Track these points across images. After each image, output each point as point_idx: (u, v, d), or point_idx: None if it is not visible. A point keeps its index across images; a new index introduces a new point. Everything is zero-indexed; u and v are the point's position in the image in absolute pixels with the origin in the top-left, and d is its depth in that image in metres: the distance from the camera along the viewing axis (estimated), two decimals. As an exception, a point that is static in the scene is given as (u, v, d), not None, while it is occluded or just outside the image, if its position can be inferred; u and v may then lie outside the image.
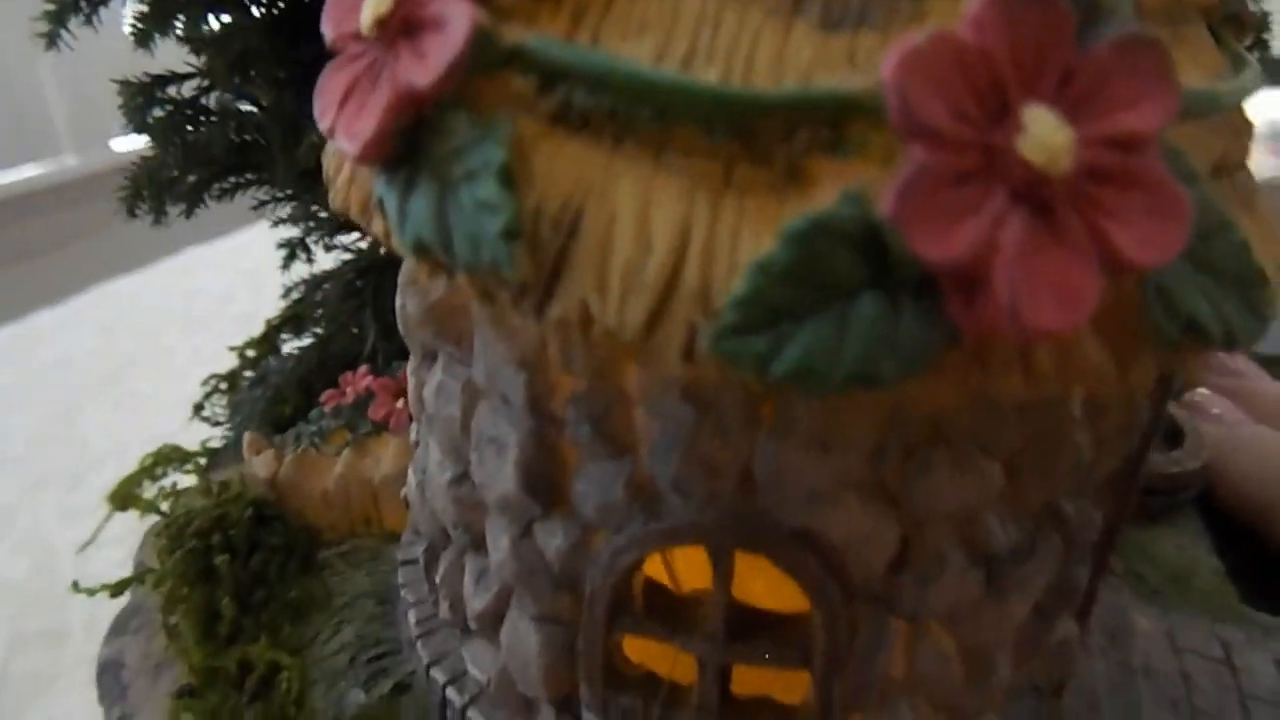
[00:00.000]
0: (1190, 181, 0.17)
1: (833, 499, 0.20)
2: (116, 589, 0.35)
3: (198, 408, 0.52)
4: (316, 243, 0.49)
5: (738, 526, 0.21)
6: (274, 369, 0.46)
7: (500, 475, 0.23)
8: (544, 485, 0.23)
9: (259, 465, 0.37)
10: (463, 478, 0.25)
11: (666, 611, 0.24)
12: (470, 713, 0.28)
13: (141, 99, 0.41)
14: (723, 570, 0.22)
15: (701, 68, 0.17)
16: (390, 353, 0.41)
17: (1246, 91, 0.20)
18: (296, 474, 0.36)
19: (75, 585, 0.35)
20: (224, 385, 0.53)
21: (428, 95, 0.17)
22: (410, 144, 0.18)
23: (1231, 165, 0.20)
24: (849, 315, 0.15)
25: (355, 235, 0.47)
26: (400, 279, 0.25)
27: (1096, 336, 0.17)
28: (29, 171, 1.41)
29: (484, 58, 0.17)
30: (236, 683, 0.31)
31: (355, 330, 0.44)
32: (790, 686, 0.24)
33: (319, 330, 0.46)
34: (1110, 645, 0.33)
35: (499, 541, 0.24)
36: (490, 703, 0.28)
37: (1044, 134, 0.15)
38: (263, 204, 0.45)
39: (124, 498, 0.41)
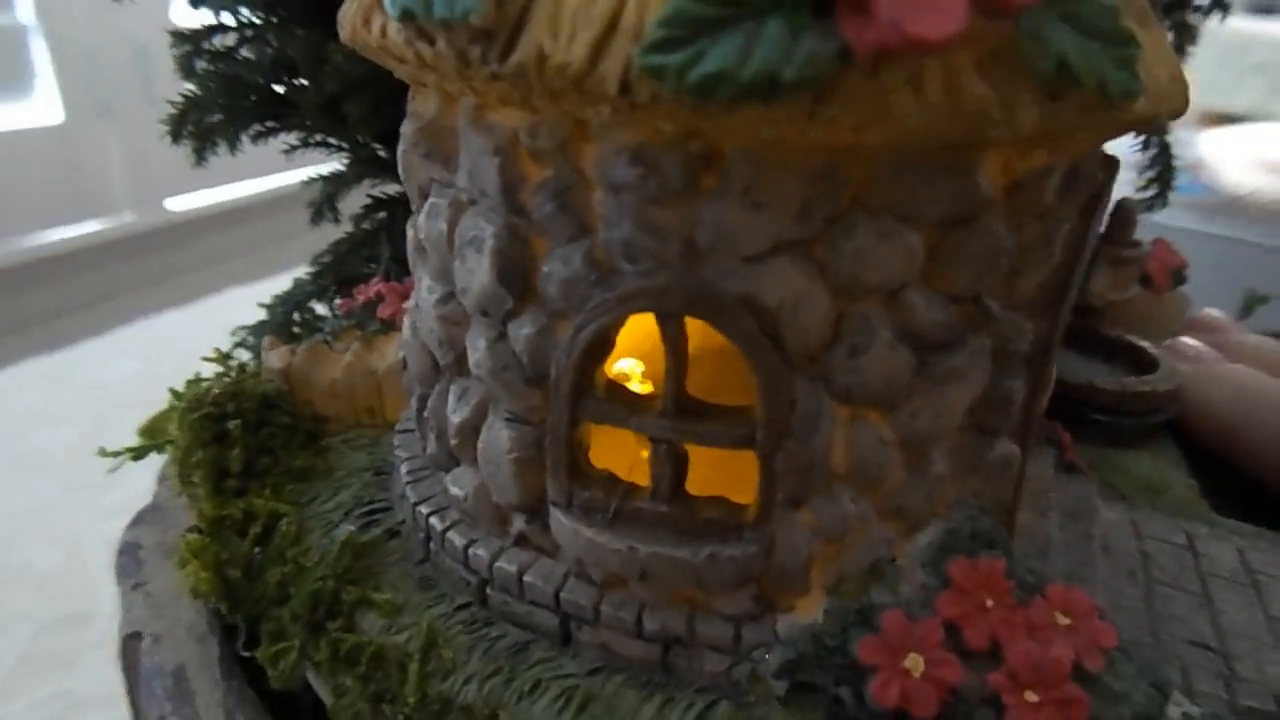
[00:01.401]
0: (1060, -54, 0.20)
1: (767, 263, 0.23)
2: (138, 453, 0.38)
3: (224, 357, 0.56)
4: (340, 198, 0.53)
5: (683, 291, 0.23)
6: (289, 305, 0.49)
7: (479, 271, 0.26)
8: (516, 275, 0.25)
9: (274, 358, 0.40)
10: (449, 296, 0.28)
11: (624, 402, 0.26)
12: (449, 535, 0.30)
13: (190, 47, 0.46)
14: (671, 336, 0.24)
15: None
16: (400, 274, 0.45)
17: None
18: (306, 364, 0.39)
19: (102, 450, 0.37)
20: (250, 338, 0.56)
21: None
22: (404, -66, 0.21)
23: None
24: (758, 31, 0.18)
25: (371, 183, 0.51)
26: (403, 129, 0.29)
27: (980, 74, 0.19)
28: (90, 227, 1.49)
29: None
30: (241, 530, 0.33)
31: (369, 258, 0.47)
32: (741, 485, 0.26)
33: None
34: (1070, 521, 0.34)
35: (477, 344, 0.27)
36: (468, 522, 0.30)
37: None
38: (294, 148, 0.50)
39: (152, 431, 0.44)
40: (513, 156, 0.24)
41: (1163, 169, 0.55)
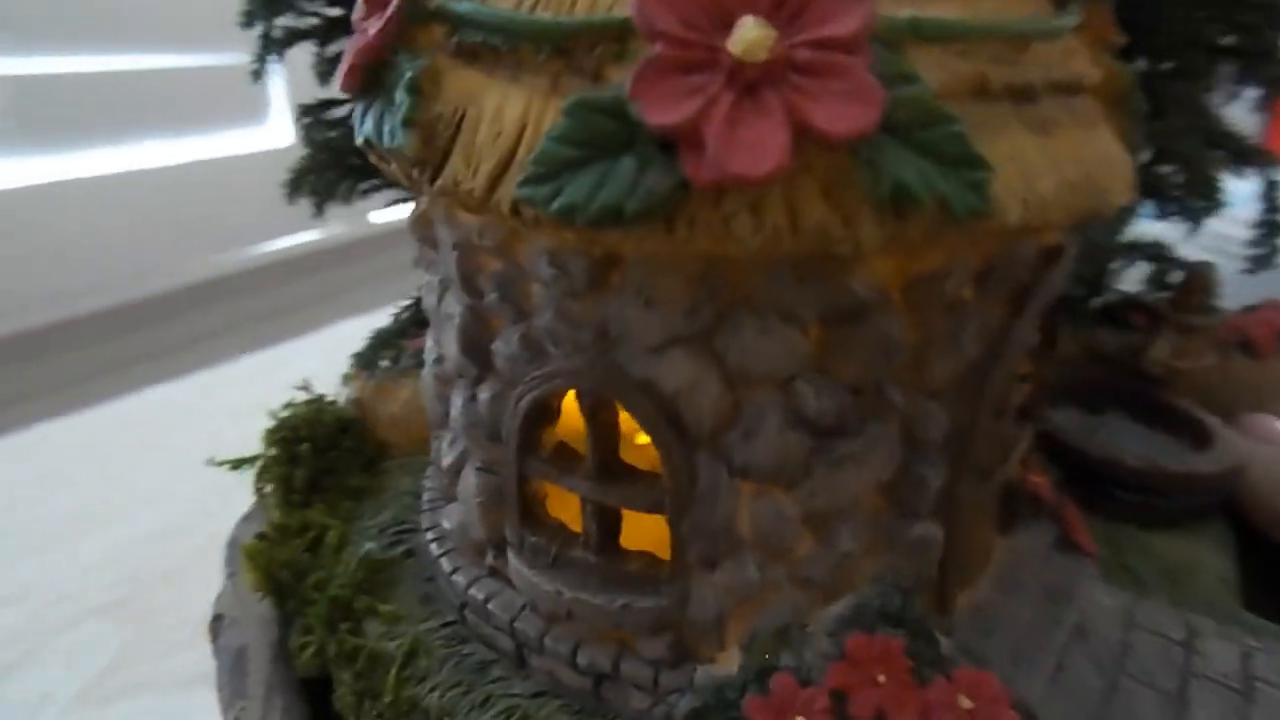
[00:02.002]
0: (903, 82, 0.21)
1: (663, 353, 0.26)
2: (235, 464, 0.46)
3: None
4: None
5: (594, 374, 0.27)
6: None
7: (450, 343, 0.30)
8: (476, 349, 0.30)
9: (351, 389, 0.47)
10: (440, 359, 0.33)
11: (560, 463, 0.30)
12: (443, 560, 0.35)
13: (310, 119, 0.54)
14: (589, 411, 0.27)
15: (541, 10, 0.24)
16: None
17: (1027, 31, 0.24)
18: (373, 397, 0.46)
19: (210, 459, 0.46)
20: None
21: (377, 44, 0.26)
22: (373, 78, 0.26)
23: (1000, 90, 0.23)
24: (610, 169, 0.22)
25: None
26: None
27: (823, 198, 0.21)
28: (308, 236, 1.60)
29: (414, 14, 0.25)
30: (298, 536, 0.40)
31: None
32: (666, 544, 0.29)
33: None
34: (1045, 602, 0.34)
35: (455, 403, 0.32)
36: (456, 550, 0.35)
37: (746, 34, 0.21)
38: (392, 203, 0.57)
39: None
40: (470, 250, 0.29)
41: (1271, 226, 0.51)
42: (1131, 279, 0.54)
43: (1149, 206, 0.50)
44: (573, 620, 0.29)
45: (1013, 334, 0.28)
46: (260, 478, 0.43)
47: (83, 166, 1.05)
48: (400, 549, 0.38)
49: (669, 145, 0.21)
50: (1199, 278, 0.46)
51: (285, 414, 0.45)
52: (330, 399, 0.47)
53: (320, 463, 0.43)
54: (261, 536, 0.40)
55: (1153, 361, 0.45)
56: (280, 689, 0.37)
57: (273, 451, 0.43)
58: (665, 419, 0.26)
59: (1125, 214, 0.48)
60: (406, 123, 0.24)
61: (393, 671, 0.32)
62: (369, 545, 0.38)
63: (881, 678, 0.26)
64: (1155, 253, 0.52)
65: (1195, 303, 0.46)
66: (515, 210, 0.23)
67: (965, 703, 0.27)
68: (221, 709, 0.38)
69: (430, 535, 0.36)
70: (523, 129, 0.23)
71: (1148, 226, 0.54)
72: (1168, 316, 0.46)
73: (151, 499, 0.77)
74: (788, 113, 0.21)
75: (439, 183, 0.25)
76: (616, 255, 0.25)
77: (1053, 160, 0.24)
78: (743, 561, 0.28)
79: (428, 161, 0.25)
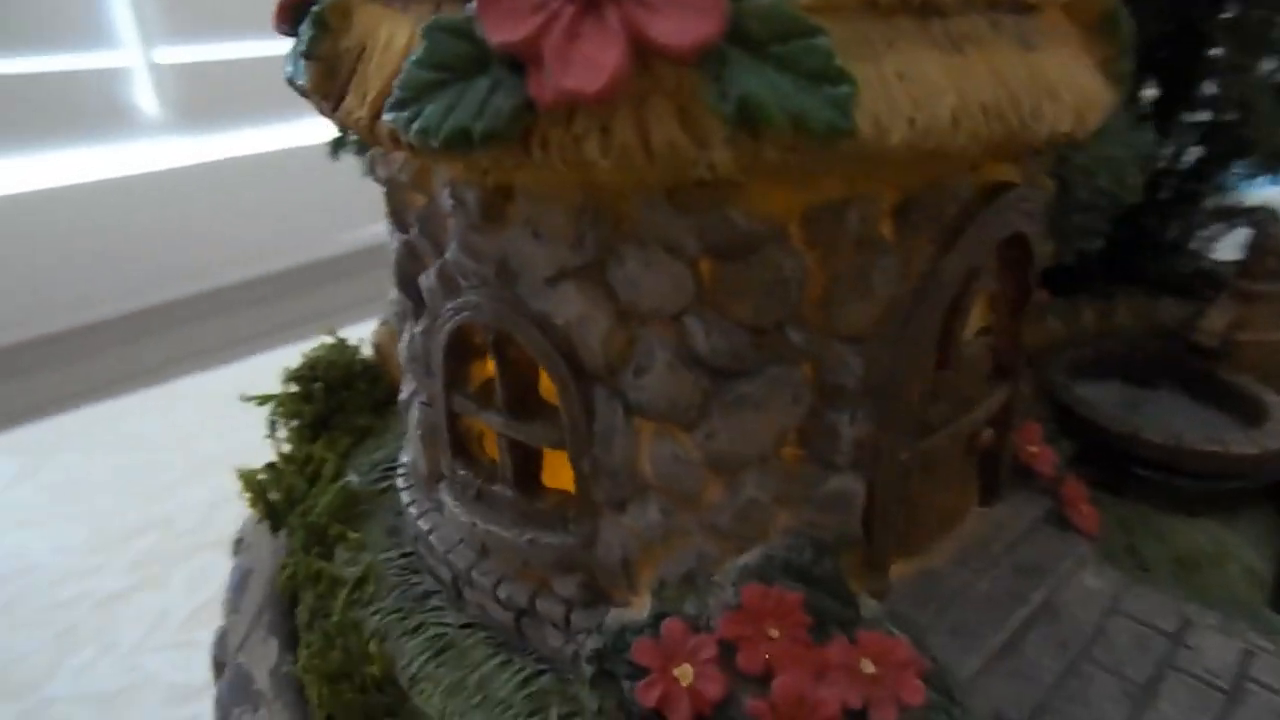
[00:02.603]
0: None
1: (555, 286, 0.25)
2: (262, 400, 0.49)
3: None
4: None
5: (499, 307, 0.27)
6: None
7: (393, 280, 0.31)
8: (410, 284, 0.30)
9: (373, 335, 0.49)
10: (395, 297, 0.34)
11: (480, 398, 0.30)
12: (403, 493, 0.36)
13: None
14: (494, 345, 0.28)
15: (425, -64, 0.24)
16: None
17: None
18: (389, 341, 0.48)
19: (243, 395, 0.49)
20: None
21: (299, -23, 0.26)
22: (299, 16, 0.27)
23: (896, 4, 0.22)
24: (464, 91, 0.21)
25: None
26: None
27: (678, 119, 0.21)
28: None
29: (328, -51, 0.26)
30: (301, 467, 0.42)
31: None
32: (584, 483, 0.29)
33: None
34: (1013, 578, 0.31)
35: (403, 339, 0.33)
36: (414, 483, 0.36)
37: (585, -55, 0.20)
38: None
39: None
40: (396, 186, 0.29)
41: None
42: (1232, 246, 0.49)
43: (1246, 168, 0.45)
44: (489, 554, 0.30)
45: (941, 276, 0.25)
46: (274, 412, 0.45)
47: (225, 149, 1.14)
48: (383, 484, 0.40)
49: (520, 66, 0.21)
50: (1261, 240, 0.40)
51: (310, 355, 0.47)
52: (354, 344, 0.49)
53: (332, 401, 0.45)
54: (270, 466, 0.43)
55: (1205, 333, 0.40)
56: (270, 607, 0.40)
57: (292, 388, 0.46)
58: (559, 353, 0.26)
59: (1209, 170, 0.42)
60: (306, 55, 0.25)
61: (342, 594, 0.34)
62: (353, 478, 0.40)
63: (774, 632, 0.25)
64: (1258, 218, 0.46)
65: (1263, 267, 0.40)
66: (395, 138, 0.23)
67: (868, 667, 0.25)
68: (222, 618, 0.41)
69: (400, 471, 0.38)
70: (405, 57, 0.24)
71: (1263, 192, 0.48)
72: (1230, 283, 0.41)
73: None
74: (625, 27, 0.20)
75: (337, 114, 0.25)
76: (508, 186, 0.25)
77: (961, 80, 0.22)
78: (647, 504, 0.27)
79: (329, 94, 0.26)
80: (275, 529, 0.40)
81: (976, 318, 0.29)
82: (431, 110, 0.22)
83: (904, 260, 0.25)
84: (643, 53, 0.20)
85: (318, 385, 0.45)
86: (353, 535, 0.37)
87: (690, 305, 0.24)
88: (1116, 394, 0.42)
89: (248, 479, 0.41)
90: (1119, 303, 0.46)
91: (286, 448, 0.44)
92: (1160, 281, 0.48)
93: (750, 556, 0.27)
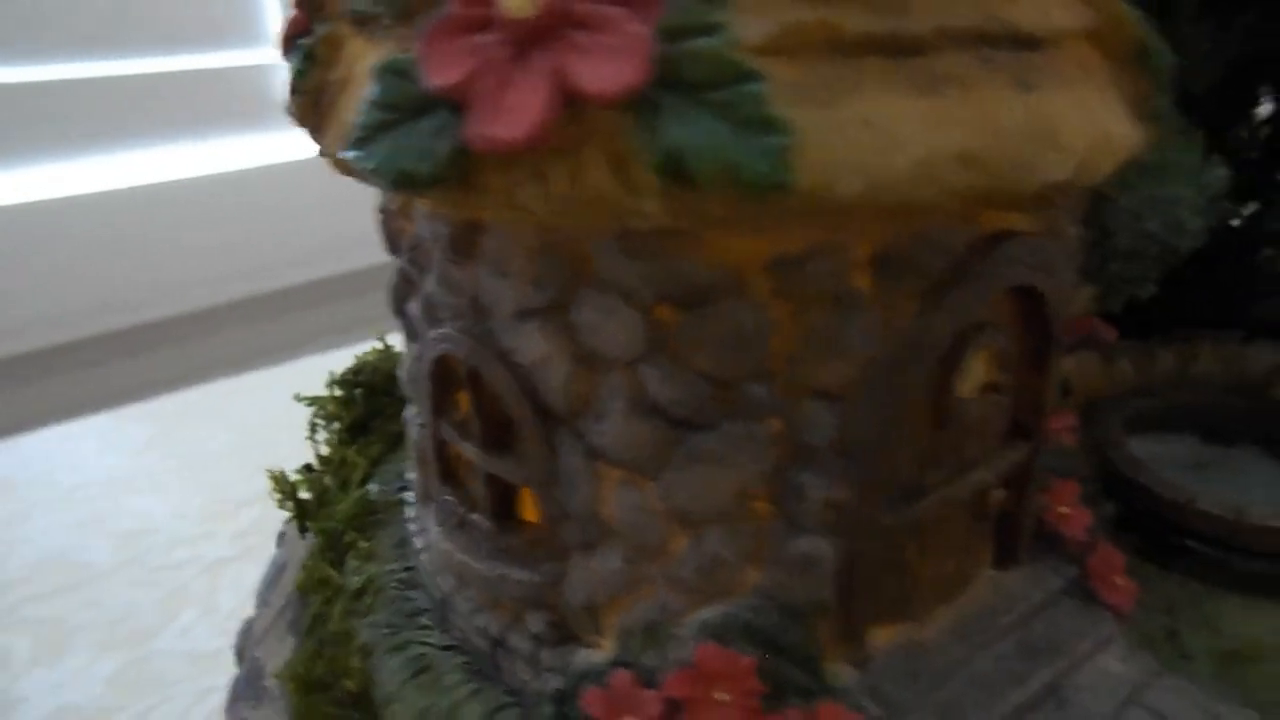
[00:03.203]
0: (700, 33, 0.19)
1: (520, 325, 0.25)
2: (312, 400, 0.51)
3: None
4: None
5: (471, 342, 0.27)
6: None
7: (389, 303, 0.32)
8: (402, 310, 0.31)
9: (418, 343, 0.50)
10: (408, 317, 0.34)
11: (462, 427, 0.30)
12: (408, 510, 0.37)
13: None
14: (469, 377, 0.27)
15: (398, -28, 0.24)
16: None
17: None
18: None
19: (297, 396, 0.51)
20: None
21: (301, 15, 0.27)
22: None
23: (862, 42, 0.20)
24: (410, 133, 0.21)
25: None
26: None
27: (604, 164, 0.20)
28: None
29: (321, -18, 0.27)
30: (336, 470, 0.44)
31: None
32: (558, 520, 0.28)
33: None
34: (1016, 657, 0.28)
35: (404, 361, 0.33)
36: (415, 501, 0.36)
37: (515, -10, 0.19)
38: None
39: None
40: (389, 214, 0.30)
41: None
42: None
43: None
44: (465, 583, 0.30)
45: (927, 335, 0.23)
46: (316, 414, 0.47)
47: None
48: (403, 494, 0.41)
49: (458, 108, 0.21)
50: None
51: (359, 359, 0.49)
52: (400, 351, 0.50)
53: (372, 406, 0.47)
54: (307, 468, 0.45)
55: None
56: (292, 605, 0.41)
57: (336, 392, 0.47)
58: (524, 393, 0.26)
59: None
60: (294, 89, 0.26)
61: (340, 603, 0.35)
62: (373, 487, 0.41)
63: (724, 696, 0.24)
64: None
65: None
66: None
67: (821, 744, 0.24)
68: (254, 609, 0.43)
69: (408, 486, 0.38)
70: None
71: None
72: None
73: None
74: (552, 73, 0.19)
75: (320, 148, 0.26)
76: (478, 222, 0.25)
77: (933, 126, 0.20)
78: (611, 551, 0.26)
79: (314, 126, 0.26)
80: (302, 530, 0.42)
81: (981, 373, 0.27)
82: (380, 149, 0.22)
83: (883, 317, 0.23)
84: (575, 100, 0.19)
85: (359, 390, 0.47)
86: (363, 544, 0.37)
87: (648, 353, 0.24)
88: (1185, 452, 0.38)
89: (278, 479, 0.42)
90: (1203, 347, 0.42)
91: (325, 450, 0.46)
92: (1260, 325, 0.43)
93: (712, 613, 0.26)
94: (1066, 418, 0.37)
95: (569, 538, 0.27)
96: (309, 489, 0.43)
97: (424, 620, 0.33)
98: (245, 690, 0.36)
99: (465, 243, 0.25)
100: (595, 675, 0.26)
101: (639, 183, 0.19)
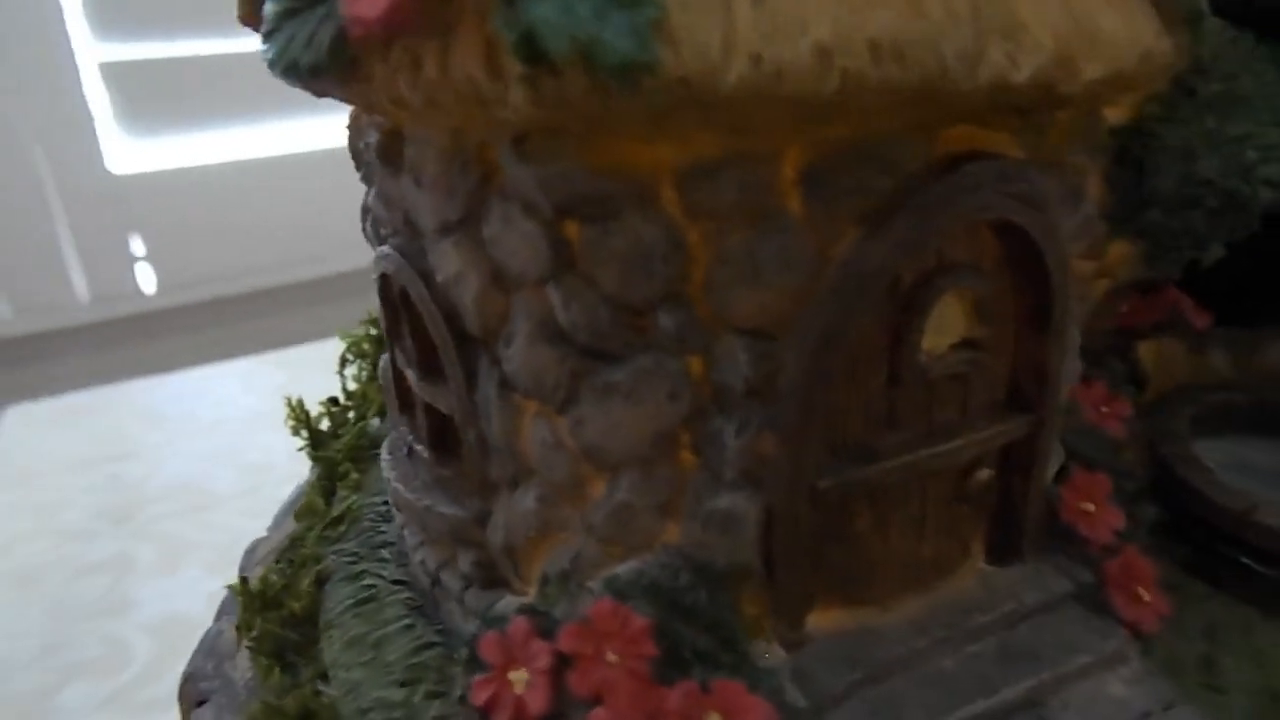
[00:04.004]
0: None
1: (439, 241, 0.24)
2: (343, 336, 0.51)
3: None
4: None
5: (402, 259, 0.25)
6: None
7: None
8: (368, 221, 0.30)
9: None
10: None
11: (408, 354, 0.29)
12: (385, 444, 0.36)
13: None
14: (399, 298, 0.26)
15: None
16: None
17: None
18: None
19: (342, 333, 0.52)
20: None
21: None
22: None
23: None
24: (304, 21, 0.20)
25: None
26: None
27: (475, 50, 0.18)
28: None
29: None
30: (358, 405, 0.44)
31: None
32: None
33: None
34: (998, 662, 0.24)
35: (382, 286, 0.32)
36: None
37: None
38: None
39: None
40: (356, 121, 0.29)
41: None
42: None
43: None
44: (400, 512, 0.29)
45: (865, 265, 0.20)
46: (349, 349, 0.48)
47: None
48: (409, 432, 0.41)
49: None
50: None
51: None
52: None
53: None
54: (332, 400, 0.45)
55: None
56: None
57: (371, 330, 0.48)
58: (441, 313, 0.24)
59: None
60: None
61: (317, 528, 0.35)
62: (377, 421, 0.41)
63: (613, 657, 0.22)
64: None
65: None
66: (282, 70, 0.23)
67: (711, 717, 0.21)
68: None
69: (406, 420, 0.38)
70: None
71: None
72: None
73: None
74: (415, -58, 0.17)
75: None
76: (400, 129, 0.24)
77: (852, 4, 0.17)
78: (528, 490, 0.25)
79: (255, 27, 0.25)
80: (313, 458, 0.43)
81: (960, 326, 0.23)
82: (277, 40, 0.21)
83: (816, 243, 0.20)
84: (436, -27, 0.17)
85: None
86: (354, 475, 0.38)
87: (554, 272, 0.22)
88: (1272, 459, 0.32)
89: (294, 408, 0.43)
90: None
91: (352, 385, 0.46)
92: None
93: (624, 567, 0.24)
94: (1119, 405, 0.31)
95: (495, 473, 0.25)
96: (330, 421, 0.43)
97: (385, 554, 0.33)
98: (229, 605, 0.37)
99: (391, 150, 0.24)
100: (499, 621, 0.24)
101: (504, 68, 0.17)
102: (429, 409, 0.28)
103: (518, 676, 0.23)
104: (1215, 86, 0.24)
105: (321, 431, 0.42)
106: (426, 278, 0.24)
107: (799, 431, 0.22)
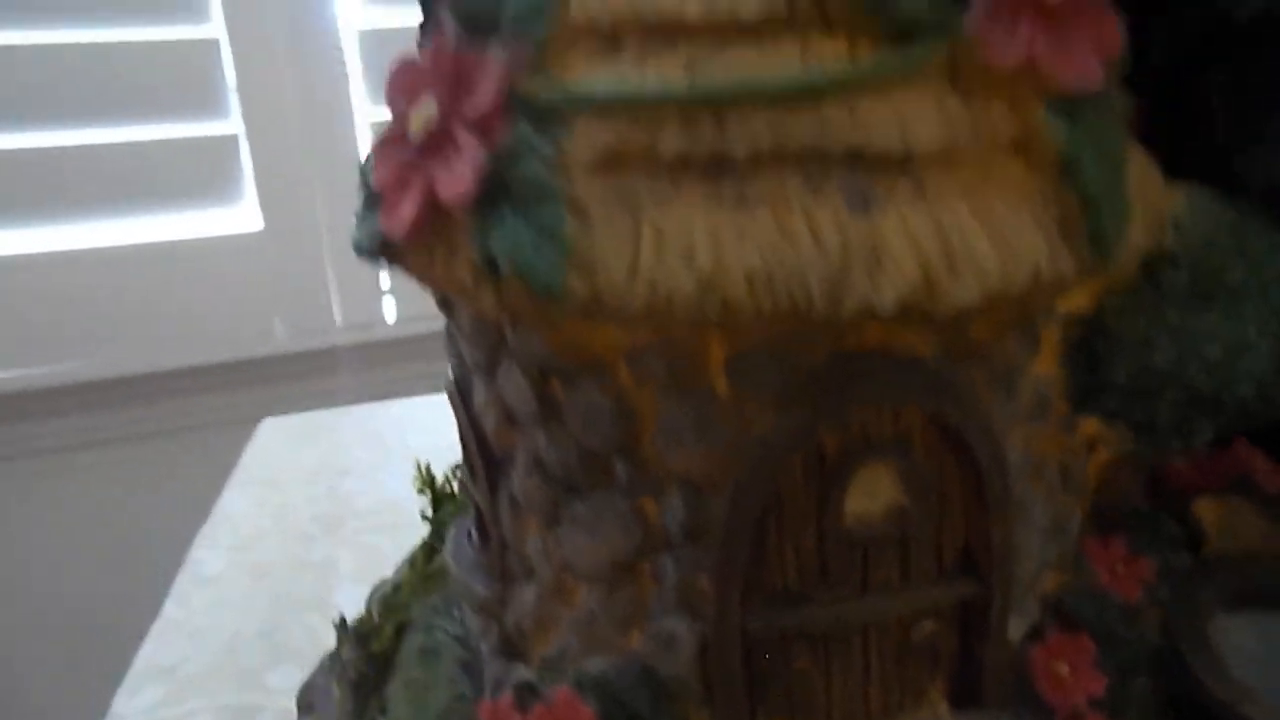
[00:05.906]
0: (526, 154, 0.22)
1: (473, 375, 0.29)
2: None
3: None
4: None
5: (454, 385, 0.32)
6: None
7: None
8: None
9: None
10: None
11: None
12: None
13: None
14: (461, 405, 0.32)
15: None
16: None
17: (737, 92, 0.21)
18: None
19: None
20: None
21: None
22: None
23: (675, 161, 0.21)
24: (367, 217, 0.27)
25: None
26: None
27: (460, 258, 0.24)
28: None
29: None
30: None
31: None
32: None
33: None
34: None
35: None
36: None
37: (417, 113, 0.24)
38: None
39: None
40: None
41: None
42: None
43: None
44: (455, 585, 0.35)
45: (782, 442, 0.23)
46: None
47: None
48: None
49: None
50: None
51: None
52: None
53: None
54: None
55: None
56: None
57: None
58: (474, 434, 0.30)
59: None
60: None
61: (415, 578, 0.42)
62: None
63: (541, 741, 0.26)
64: None
65: None
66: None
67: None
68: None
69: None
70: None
71: None
72: None
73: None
74: (425, 181, 0.23)
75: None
76: (451, 288, 0.30)
77: (727, 243, 0.21)
78: (531, 587, 0.30)
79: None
80: (434, 512, 0.50)
81: (892, 494, 0.25)
82: (359, 230, 0.28)
83: (739, 418, 0.24)
84: (439, 204, 0.23)
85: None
86: (454, 536, 0.44)
87: (540, 418, 0.27)
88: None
89: (421, 471, 0.51)
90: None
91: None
92: None
93: (591, 662, 0.28)
94: (1139, 567, 0.31)
95: (511, 566, 0.31)
96: (454, 485, 0.51)
97: (455, 613, 0.39)
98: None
99: (445, 303, 0.30)
100: (496, 691, 0.30)
101: (478, 276, 0.23)
102: (476, 504, 0.34)
103: (481, 755, 0.28)
104: (1182, 276, 0.24)
105: (444, 495, 0.50)
106: (467, 402, 0.30)
107: (724, 576, 0.25)
